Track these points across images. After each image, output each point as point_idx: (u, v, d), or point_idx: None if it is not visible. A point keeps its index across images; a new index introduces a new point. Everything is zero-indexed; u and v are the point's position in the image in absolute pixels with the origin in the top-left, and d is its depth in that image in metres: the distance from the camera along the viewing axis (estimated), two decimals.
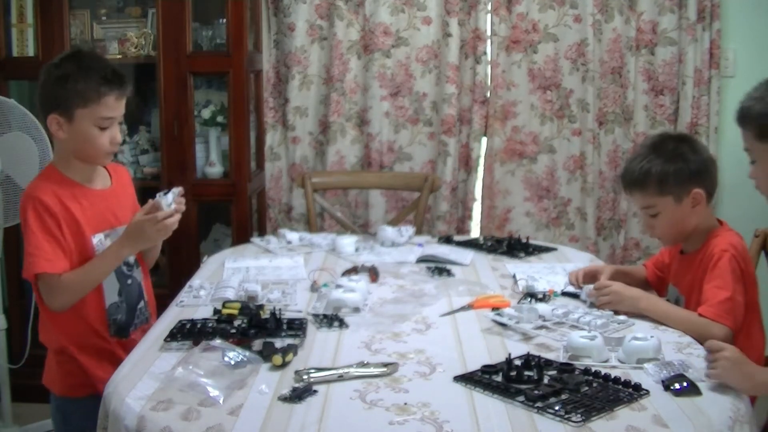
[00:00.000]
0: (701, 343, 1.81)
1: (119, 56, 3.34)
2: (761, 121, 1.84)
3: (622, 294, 2.05)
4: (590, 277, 2.25)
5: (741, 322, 1.97)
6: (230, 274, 2.42)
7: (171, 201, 1.99)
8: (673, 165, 2.08)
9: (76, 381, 2.04)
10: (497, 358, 1.70)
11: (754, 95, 1.89)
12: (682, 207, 2.08)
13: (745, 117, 1.87)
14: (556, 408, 1.45)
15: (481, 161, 3.56)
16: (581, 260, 2.61)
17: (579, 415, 1.42)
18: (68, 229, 1.98)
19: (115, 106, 2.01)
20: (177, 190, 2.02)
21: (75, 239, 2.00)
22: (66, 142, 2.02)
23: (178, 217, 2.00)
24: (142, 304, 2.18)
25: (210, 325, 1.90)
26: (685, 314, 1.98)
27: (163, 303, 2.20)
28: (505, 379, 1.58)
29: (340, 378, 1.60)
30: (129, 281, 2.14)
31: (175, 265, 3.22)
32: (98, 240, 2.04)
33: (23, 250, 1.98)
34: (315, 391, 1.54)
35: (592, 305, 2.10)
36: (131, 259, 2.15)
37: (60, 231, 1.96)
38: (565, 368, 1.64)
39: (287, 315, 1.96)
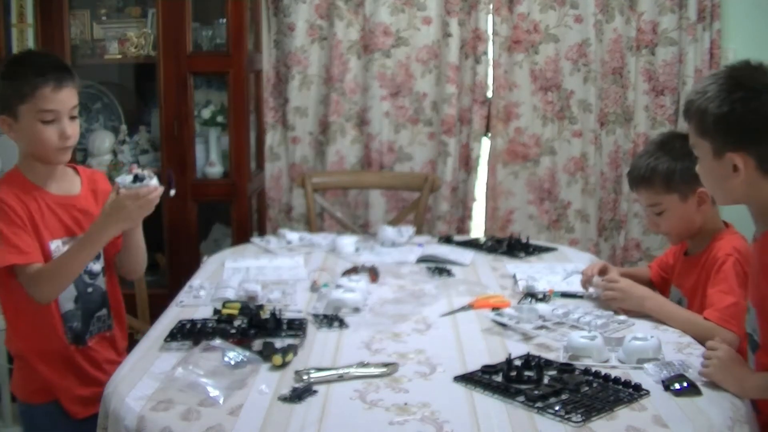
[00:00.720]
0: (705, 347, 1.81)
1: (119, 56, 3.34)
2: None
3: (629, 292, 2.05)
4: (600, 271, 2.24)
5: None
6: (230, 274, 2.42)
7: (155, 180, 1.93)
8: (680, 163, 2.07)
9: (35, 387, 2.00)
10: (497, 358, 1.70)
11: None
12: (688, 206, 2.09)
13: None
14: (556, 408, 1.45)
15: (482, 161, 3.56)
16: (581, 260, 2.61)
17: (579, 415, 1.42)
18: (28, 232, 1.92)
19: (53, 98, 1.91)
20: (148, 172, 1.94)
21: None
22: (19, 142, 1.97)
23: (160, 192, 1.92)
24: (103, 312, 2.09)
25: (210, 325, 1.90)
26: (691, 317, 1.97)
27: (163, 303, 2.20)
28: (505, 379, 1.58)
29: (340, 378, 1.60)
30: (89, 289, 2.05)
31: (175, 265, 3.22)
32: (56, 246, 1.96)
33: None
34: (315, 391, 1.54)
35: (597, 298, 2.11)
36: (96, 267, 2.06)
37: (24, 227, 1.91)
38: (565, 368, 1.64)
39: (287, 315, 1.97)
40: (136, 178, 1.88)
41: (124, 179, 1.88)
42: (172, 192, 1.99)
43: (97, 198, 2.08)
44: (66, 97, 1.93)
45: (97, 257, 2.05)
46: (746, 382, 1.62)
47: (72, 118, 1.96)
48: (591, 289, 2.17)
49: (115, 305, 2.14)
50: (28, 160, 1.99)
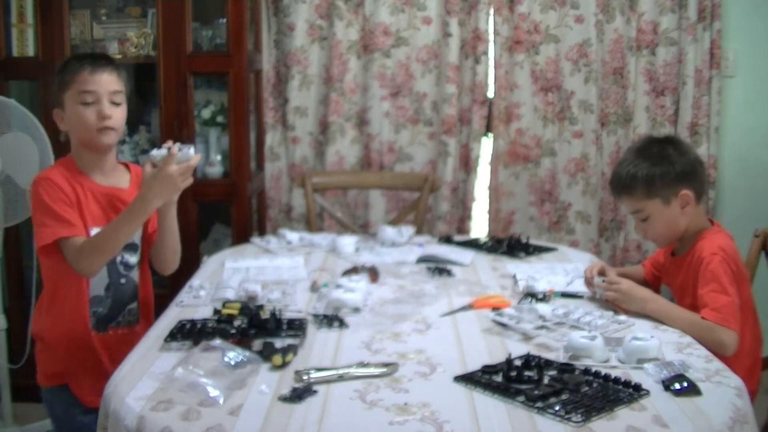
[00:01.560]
0: (707, 348, 1.81)
1: (119, 56, 3.33)
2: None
3: (630, 293, 2.05)
4: (599, 272, 2.25)
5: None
6: (230, 274, 2.42)
7: (192, 149, 1.98)
8: (659, 168, 2.09)
9: (52, 371, 2.07)
10: (497, 358, 1.70)
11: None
12: (672, 209, 2.10)
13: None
14: (556, 408, 1.45)
15: (482, 162, 3.56)
16: (581, 260, 2.61)
17: (579, 415, 1.42)
18: (75, 210, 2.01)
19: (90, 79, 2.03)
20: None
21: None
22: (69, 133, 2.10)
23: (197, 159, 2.00)
24: (134, 305, 2.18)
25: (210, 325, 1.90)
26: (692, 318, 1.96)
27: (163, 303, 2.20)
28: (505, 379, 1.58)
29: (340, 378, 1.60)
30: (122, 280, 2.13)
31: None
32: (95, 233, 2.03)
33: (33, 228, 2.02)
34: (315, 391, 1.54)
35: (599, 299, 2.12)
36: (133, 259, 2.15)
37: (71, 205, 2.00)
38: (566, 368, 1.64)
39: (287, 315, 1.96)
40: (169, 149, 1.95)
41: (159, 152, 1.95)
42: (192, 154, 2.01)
43: None
44: (104, 80, 2.04)
45: (134, 250, 2.15)
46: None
47: (114, 103, 2.07)
48: (594, 289, 2.17)
49: (145, 301, 2.20)
50: (77, 149, 2.10)
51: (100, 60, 2.08)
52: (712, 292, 1.97)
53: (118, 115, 2.08)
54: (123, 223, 1.97)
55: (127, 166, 2.24)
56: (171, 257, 2.21)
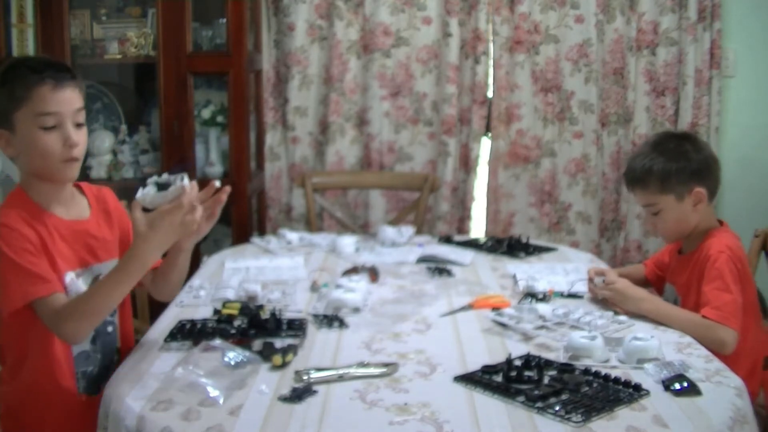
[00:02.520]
0: (706, 346, 1.81)
1: (119, 56, 3.34)
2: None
3: (625, 293, 2.05)
4: (599, 274, 2.25)
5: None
6: (230, 274, 2.42)
7: (181, 181, 1.64)
8: (675, 163, 2.08)
9: None
10: (497, 358, 1.70)
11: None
12: (684, 205, 2.09)
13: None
14: (557, 408, 1.45)
15: (481, 162, 3.56)
16: (581, 260, 2.61)
17: (579, 415, 1.42)
18: (44, 258, 1.65)
19: (52, 98, 1.63)
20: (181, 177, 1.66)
21: None
22: (19, 160, 1.70)
23: (195, 192, 1.66)
24: (117, 355, 1.86)
25: (210, 325, 1.90)
26: (689, 317, 1.96)
27: (163, 303, 2.19)
28: (505, 379, 1.58)
29: (340, 378, 1.60)
30: (109, 328, 1.80)
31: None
32: (70, 279, 1.69)
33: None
34: (315, 391, 1.54)
35: (600, 300, 2.13)
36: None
37: (39, 254, 1.63)
38: (566, 368, 1.64)
39: (287, 315, 1.96)
40: (160, 186, 1.62)
41: (146, 191, 1.63)
42: (217, 183, 1.71)
43: (110, 219, 1.84)
44: (68, 99, 1.66)
45: None
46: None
47: (78, 125, 1.68)
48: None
49: (126, 345, 1.87)
50: (30, 180, 1.71)
51: (63, 73, 1.67)
52: (715, 290, 1.97)
53: (83, 139, 1.69)
54: (115, 285, 1.63)
55: (79, 187, 1.82)
56: (172, 290, 1.93)
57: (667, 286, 2.26)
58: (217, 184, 1.72)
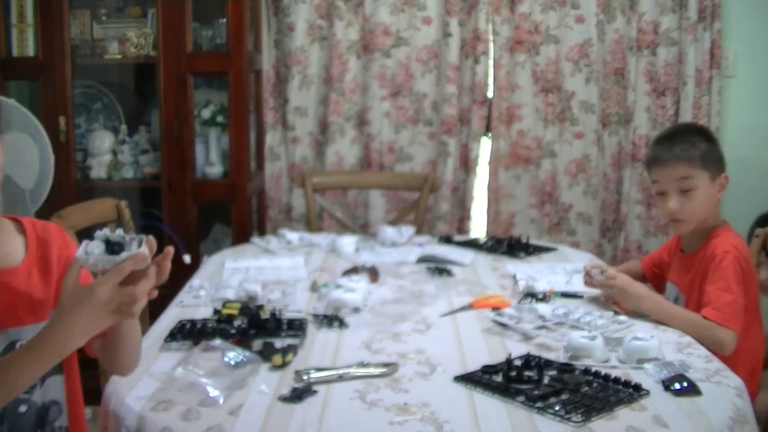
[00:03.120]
0: (705, 346, 1.81)
1: (119, 56, 3.34)
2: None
3: (627, 290, 2.04)
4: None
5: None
6: (230, 274, 2.42)
7: (138, 246, 1.24)
8: (711, 145, 2.10)
9: None
10: (497, 358, 1.70)
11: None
12: (713, 188, 2.09)
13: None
14: (556, 408, 1.45)
15: (481, 162, 3.56)
16: (582, 260, 2.61)
17: (579, 415, 1.42)
18: None
19: None
20: (141, 238, 1.26)
21: None
22: None
23: (147, 262, 1.24)
24: (58, 424, 1.47)
25: (210, 325, 1.90)
26: (690, 316, 1.96)
27: (163, 303, 2.20)
28: (505, 379, 1.58)
29: (340, 378, 1.60)
30: (22, 408, 1.40)
31: (175, 265, 3.21)
32: None
33: None
34: (315, 391, 1.54)
35: (598, 298, 2.14)
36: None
37: None
38: (566, 368, 1.64)
39: (287, 315, 1.96)
40: (110, 245, 1.25)
41: (92, 251, 1.24)
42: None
43: (49, 270, 1.42)
44: None
45: None
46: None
47: None
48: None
49: (75, 411, 1.50)
50: None
51: None
52: (717, 290, 1.96)
53: None
54: (24, 366, 1.22)
55: (18, 222, 1.43)
56: (128, 363, 1.49)
57: (669, 285, 2.25)
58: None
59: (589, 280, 2.17)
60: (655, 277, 2.34)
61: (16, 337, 1.37)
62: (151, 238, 1.26)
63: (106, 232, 1.27)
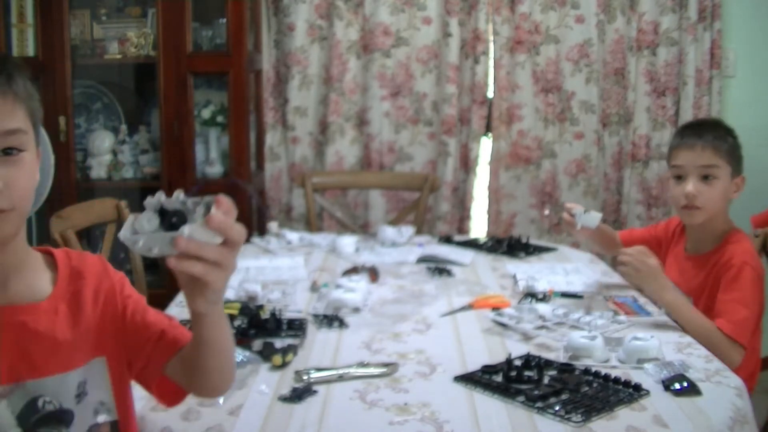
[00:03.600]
0: (714, 355, 1.78)
1: (119, 56, 3.34)
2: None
3: (655, 275, 1.99)
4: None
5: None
6: None
7: (206, 212, 0.95)
8: (736, 143, 2.11)
9: None
10: (497, 358, 1.70)
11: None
12: (731, 185, 2.09)
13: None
14: (556, 408, 1.44)
15: (481, 162, 3.56)
16: (581, 260, 2.62)
17: (579, 415, 1.42)
18: None
19: None
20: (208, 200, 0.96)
21: None
22: None
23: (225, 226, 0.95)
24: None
25: None
26: (706, 325, 1.92)
27: (163, 303, 2.19)
28: (505, 379, 1.58)
29: (340, 378, 1.60)
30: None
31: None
32: None
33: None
34: (315, 391, 1.54)
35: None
36: (96, 399, 1.15)
37: None
38: (566, 368, 1.64)
39: (287, 315, 1.96)
40: (167, 217, 0.96)
41: (140, 224, 0.96)
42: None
43: (80, 305, 1.15)
44: (9, 115, 1.04)
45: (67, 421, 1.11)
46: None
47: (9, 152, 1.05)
48: (579, 219, 2.25)
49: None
50: None
51: None
52: (734, 302, 1.93)
53: (23, 179, 1.06)
54: None
55: (50, 254, 1.19)
56: (220, 376, 1.19)
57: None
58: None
59: (569, 219, 2.20)
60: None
61: (37, 392, 1.10)
62: (223, 198, 0.96)
63: (160, 197, 0.97)
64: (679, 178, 2.09)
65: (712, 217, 2.08)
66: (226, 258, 0.98)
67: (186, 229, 0.92)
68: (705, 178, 2.06)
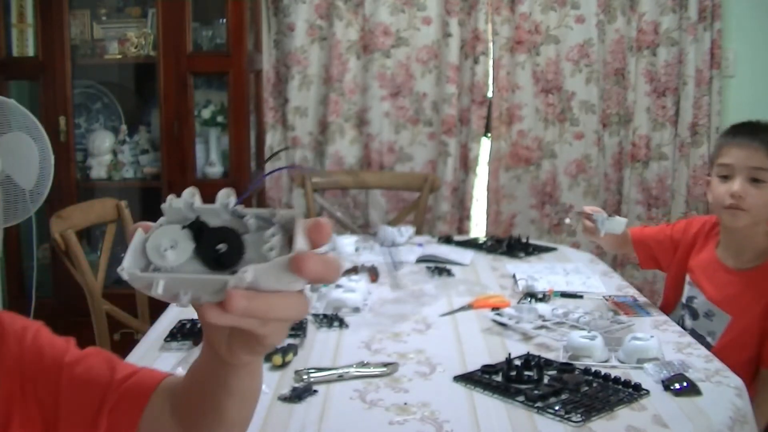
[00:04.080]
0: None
1: (119, 56, 3.34)
2: None
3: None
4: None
5: None
6: None
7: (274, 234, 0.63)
8: None
9: None
10: (497, 358, 1.70)
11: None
12: None
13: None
14: (556, 408, 1.44)
15: (481, 162, 3.56)
16: (581, 260, 2.62)
17: (579, 415, 1.42)
18: None
19: None
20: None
21: None
22: None
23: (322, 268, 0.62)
24: None
25: None
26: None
27: (163, 303, 2.18)
28: (505, 379, 1.58)
29: (340, 378, 1.60)
30: None
31: None
32: None
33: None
34: (315, 391, 1.54)
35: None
36: None
37: None
38: (565, 368, 1.64)
39: None
40: (204, 236, 0.66)
41: (164, 246, 0.65)
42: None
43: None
44: None
45: None
46: None
47: None
48: (601, 226, 2.15)
49: None
50: None
51: None
52: None
53: None
54: None
55: None
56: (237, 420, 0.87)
57: (691, 288, 2.12)
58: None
59: (590, 226, 2.13)
60: (644, 249, 2.28)
61: None
62: (319, 222, 0.62)
63: (190, 199, 0.66)
64: (725, 177, 1.96)
65: (756, 222, 1.96)
66: (299, 306, 0.63)
67: (250, 273, 0.55)
68: (754, 180, 1.93)
